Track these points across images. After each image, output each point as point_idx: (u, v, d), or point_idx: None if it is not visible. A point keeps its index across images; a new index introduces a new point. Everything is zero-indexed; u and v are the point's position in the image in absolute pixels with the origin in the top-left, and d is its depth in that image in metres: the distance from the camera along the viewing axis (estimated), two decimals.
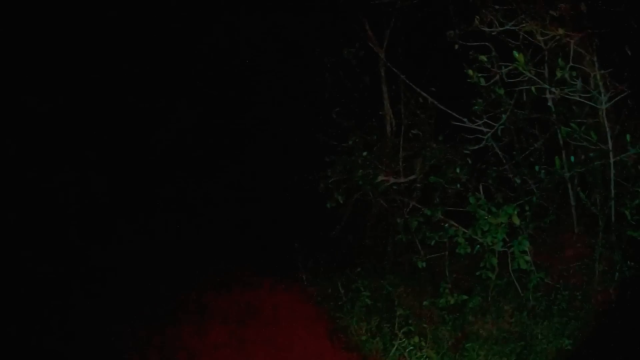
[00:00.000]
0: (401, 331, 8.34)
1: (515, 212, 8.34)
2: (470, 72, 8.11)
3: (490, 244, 8.41)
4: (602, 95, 7.58)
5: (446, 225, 8.74)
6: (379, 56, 9.11)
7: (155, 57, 9.65)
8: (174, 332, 8.50)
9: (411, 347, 8.09)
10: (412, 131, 9.22)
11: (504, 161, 8.63)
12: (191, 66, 9.64)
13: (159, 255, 9.24)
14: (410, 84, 9.00)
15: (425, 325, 8.36)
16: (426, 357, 8.04)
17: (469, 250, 8.58)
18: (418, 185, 9.09)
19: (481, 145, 8.54)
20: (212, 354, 8.32)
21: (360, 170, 9.36)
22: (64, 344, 8.08)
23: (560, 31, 7.39)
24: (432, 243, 8.79)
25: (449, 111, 8.71)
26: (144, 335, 8.38)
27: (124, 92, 9.64)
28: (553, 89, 7.82)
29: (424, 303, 8.64)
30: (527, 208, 8.39)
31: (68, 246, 9.13)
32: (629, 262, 7.91)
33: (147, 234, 9.40)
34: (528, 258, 8.34)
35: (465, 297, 8.50)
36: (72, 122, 9.60)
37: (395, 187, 9.17)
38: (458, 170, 8.84)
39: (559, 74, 7.67)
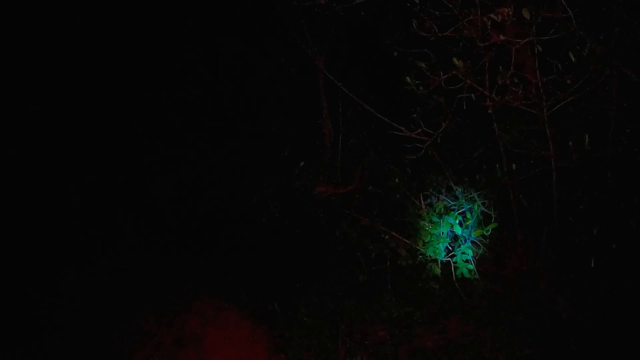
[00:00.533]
0: (344, 350, 8.10)
1: (457, 221, 8.30)
2: (408, 79, 7.94)
3: (432, 255, 8.32)
4: (544, 102, 7.56)
5: (387, 236, 8.60)
6: (317, 64, 8.82)
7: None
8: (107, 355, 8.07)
9: None
10: (350, 140, 8.99)
11: (445, 170, 8.51)
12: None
13: (100, 279, 8.80)
14: (349, 92, 8.76)
15: (367, 342, 8.15)
16: None
17: (410, 261, 8.45)
18: (357, 195, 8.85)
19: (420, 154, 8.41)
20: None
21: (297, 181, 9.06)
22: None
23: (502, 37, 7.31)
24: (373, 255, 8.64)
25: (388, 120, 8.54)
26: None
27: None
28: (494, 96, 7.74)
29: (367, 317, 8.41)
30: (468, 216, 8.33)
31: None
32: (574, 267, 7.92)
33: (92, 256, 8.95)
34: (471, 267, 8.26)
35: (409, 309, 8.34)
36: None
37: (333, 198, 8.91)
38: (397, 180, 8.67)
39: (499, 81, 7.62)
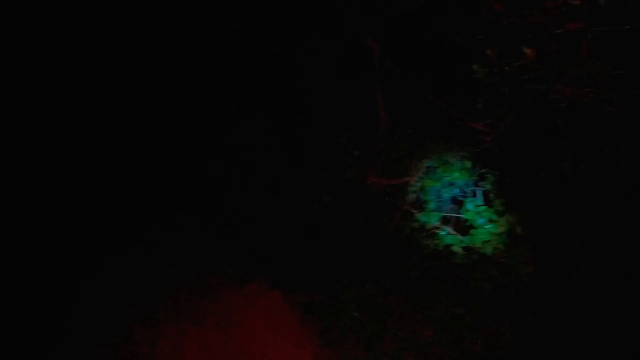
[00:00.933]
0: (391, 348, 7.80)
1: (518, 221, 7.84)
2: (476, 67, 7.48)
3: (490, 254, 7.90)
4: (616, 98, 6.97)
5: (442, 232, 8.21)
6: (372, 48, 8.41)
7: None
8: (146, 334, 7.94)
9: None
10: (407, 130, 8.57)
11: (506, 165, 8.01)
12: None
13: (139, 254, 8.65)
14: (405, 79, 8.32)
15: (414, 342, 7.79)
16: None
17: (465, 260, 8.05)
18: (412, 188, 8.45)
19: (482, 148, 7.96)
20: None
21: (351, 170, 8.72)
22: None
23: (575, 26, 6.76)
24: (427, 252, 8.26)
25: (448, 109, 8.10)
26: (116, 338, 7.81)
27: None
28: (563, 89, 7.20)
29: (417, 316, 8.07)
30: (529, 216, 7.85)
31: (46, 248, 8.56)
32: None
33: (132, 231, 8.81)
34: (530, 269, 7.81)
35: (460, 311, 7.95)
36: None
37: (388, 190, 8.54)
38: (458, 174, 8.23)
39: (570, 73, 7.08)
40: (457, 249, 8.06)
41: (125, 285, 8.32)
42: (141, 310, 8.15)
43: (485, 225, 7.96)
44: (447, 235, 8.14)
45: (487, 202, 8.04)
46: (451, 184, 8.24)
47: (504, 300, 7.79)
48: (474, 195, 8.10)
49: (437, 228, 8.22)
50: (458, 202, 8.22)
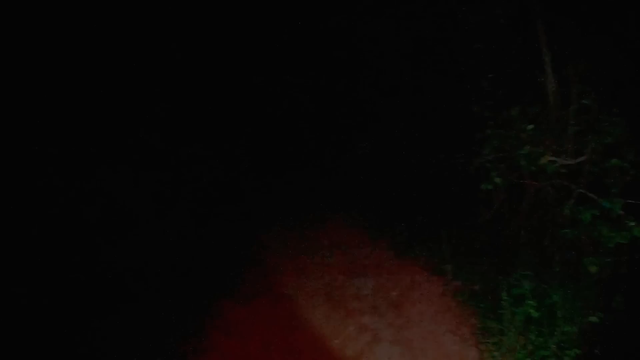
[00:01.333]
0: (564, 353, 6.86)
1: None
2: None
3: None
4: None
5: (631, 222, 6.83)
6: (535, 8, 7.15)
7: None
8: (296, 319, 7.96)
9: None
10: (582, 101, 7.21)
11: None
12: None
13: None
14: (579, 37, 6.96)
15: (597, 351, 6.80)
16: None
17: None
18: (590, 168, 7.12)
19: None
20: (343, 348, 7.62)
21: (527, 147, 7.62)
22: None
23: None
24: (612, 244, 6.96)
25: (634, 74, 6.64)
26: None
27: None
28: None
29: (591, 318, 6.94)
30: None
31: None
32: None
33: None
34: None
35: None
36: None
37: (563, 170, 7.32)
38: None
39: None
40: None
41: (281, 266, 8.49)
42: (295, 291, 8.19)
43: None
44: (636, 226, 6.78)
45: None
46: (638, 165, 6.82)
47: None
48: None
49: (624, 217, 6.87)
50: None
